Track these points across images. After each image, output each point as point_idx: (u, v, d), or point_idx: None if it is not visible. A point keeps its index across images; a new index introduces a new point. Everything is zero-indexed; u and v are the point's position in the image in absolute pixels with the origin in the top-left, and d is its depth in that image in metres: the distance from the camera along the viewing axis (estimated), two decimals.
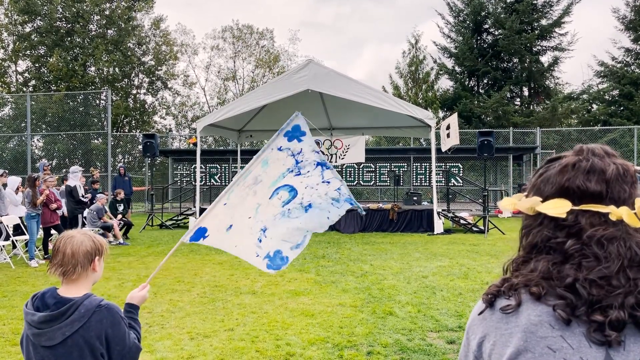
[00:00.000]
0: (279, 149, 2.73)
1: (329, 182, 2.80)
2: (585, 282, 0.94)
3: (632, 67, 25.65)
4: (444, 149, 13.56)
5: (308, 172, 2.75)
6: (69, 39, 29.64)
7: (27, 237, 9.36)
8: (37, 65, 29.99)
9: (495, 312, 1.02)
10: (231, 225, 2.72)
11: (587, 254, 0.97)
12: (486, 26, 27.99)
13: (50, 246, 9.83)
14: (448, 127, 13.20)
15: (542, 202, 1.04)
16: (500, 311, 1.00)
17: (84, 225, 10.90)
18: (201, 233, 2.63)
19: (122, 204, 12.93)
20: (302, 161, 2.74)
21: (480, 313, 1.05)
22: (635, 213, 0.97)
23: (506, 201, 1.11)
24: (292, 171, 2.72)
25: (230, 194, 2.68)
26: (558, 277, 0.97)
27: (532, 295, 0.98)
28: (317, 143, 16.30)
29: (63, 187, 11.47)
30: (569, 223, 1.00)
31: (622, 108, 24.78)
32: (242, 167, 20.78)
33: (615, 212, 0.97)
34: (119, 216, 12.45)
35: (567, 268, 0.97)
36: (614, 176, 0.99)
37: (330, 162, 16.06)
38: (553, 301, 0.96)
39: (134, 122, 32.90)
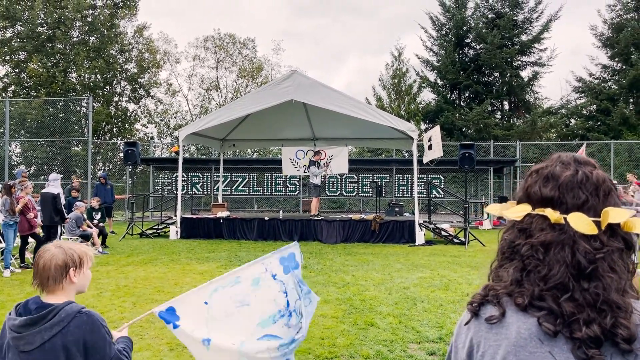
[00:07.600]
0: (274, 277, 2.58)
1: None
2: (548, 292, 0.95)
3: (609, 83, 26.24)
4: (425, 160, 13.70)
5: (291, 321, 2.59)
6: (50, 44, 29.28)
7: (2, 245, 9.15)
8: (17, 70, 29.54)
9: (482, 322, 1.02)
10: (209, 340, 2.45)
11: (533, 259, 0.98)
12: (468, 40, 28.43)
13: (28, 255, 9.63)
14: (430, 140, 13.34)
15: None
16: (486, 322, 1.01)
17: (62, 234, 10.69)
18: (173, 317, 2.44)
19: (99, 212, 12.75)
20: (290, 303, 2.59)
21: (467, 323, 1.06)
22: (598, 221, 0.96)
23: (492, 206, 1.14)
24: (283, 316, 2.55)
25: (214, 292, 2.49)
26: (525, 288, 0.98)
27: (517, 306, 0.98)
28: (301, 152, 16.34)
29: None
30: (525, 226, 1.03)
31: (599, 123, 25.29)
32: (224, 176, 20.71)
33: (551, 216, 0.99)
34: (95, 223, 12.26)
35: (531, 277, 0.98)
36: (567, 182, 1.01)
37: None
38: (537, 312, 0.96)
39: (115, 129, 32.52)
